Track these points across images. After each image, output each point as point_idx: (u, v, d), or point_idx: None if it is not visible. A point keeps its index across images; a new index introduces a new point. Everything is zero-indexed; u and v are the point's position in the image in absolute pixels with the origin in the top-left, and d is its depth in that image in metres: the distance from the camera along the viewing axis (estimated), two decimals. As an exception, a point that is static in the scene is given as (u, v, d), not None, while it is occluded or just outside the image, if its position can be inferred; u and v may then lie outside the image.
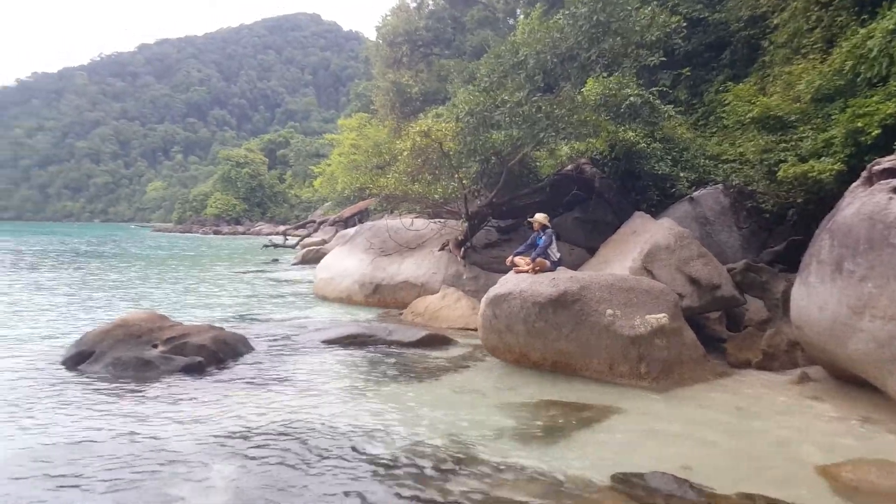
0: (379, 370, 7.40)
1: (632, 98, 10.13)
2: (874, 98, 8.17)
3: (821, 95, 9.45)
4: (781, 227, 10.05)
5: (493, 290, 7.60)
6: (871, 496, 4.12)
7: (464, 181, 11.99)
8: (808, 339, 6.42)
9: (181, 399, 6.00)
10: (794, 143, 9.52)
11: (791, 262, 8.21)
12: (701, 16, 11.91)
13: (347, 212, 33.74)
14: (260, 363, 7.53)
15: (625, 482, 4.19)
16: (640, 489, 4.07)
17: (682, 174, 10.34)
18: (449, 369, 7.52)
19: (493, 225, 13.48)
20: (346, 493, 4.04)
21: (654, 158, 10.53)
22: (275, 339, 8.93)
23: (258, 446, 4.79)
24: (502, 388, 6.73)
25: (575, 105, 10.19)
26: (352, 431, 5.18)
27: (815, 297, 6.07)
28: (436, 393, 6.48)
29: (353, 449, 4.79)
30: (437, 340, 8.97)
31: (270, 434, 5.08)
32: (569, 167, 11.96)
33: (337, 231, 31.68)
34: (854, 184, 6.35)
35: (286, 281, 18.31)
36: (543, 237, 7.83)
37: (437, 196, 12.21)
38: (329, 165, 45.28)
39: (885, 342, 5.17)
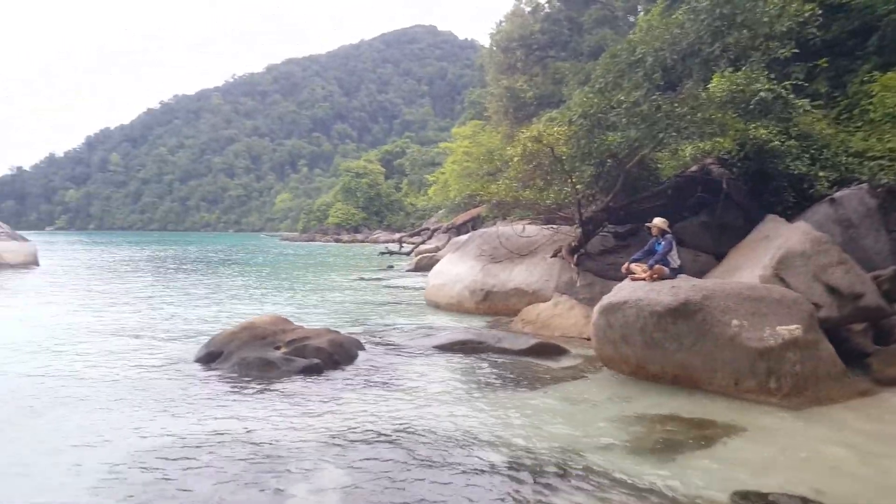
0: (488, 377, 7.41)
1: (762, 93, 9.45)
2: None
3: None
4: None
5: (607, 299, 7.37)
6: None
7: (577, 186, 11.75)
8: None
9: (298, 399, 6.35)
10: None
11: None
12: (842, 1, 10.88)
13: (460, 219, 34.15)
14: (373, 366, 7.80)
15: (746, 500, 3.90)
16: (763, 511, 3.78)
17: (821, 173, 9.48)
18: (560, 379, 7.39)
19: (609, 230, 13.09)
20: (452, 500, 4.07)
21: (790, 157, 9.74)
22: (387, 344, 9.21)
23: (369, 448, 4.95)
24: (616, 400, 6.51)
25: (699, 103, 9.68)
26: (459, 437, 5.23)
27: None
28: (545, 402, 6.38)
29: (460, 455, 4.83)
30: (548, 349, 8.84)
31: (381, 437, 5.24)
32: (693, 168, 11.36)
33: (450, 238, 32.16)
34: None
35: (400, 287, 18.84)
36: (662, 243, 7.50)
37: (548, 201, 12.06)
38: (443, 174, 46.19)
39: None
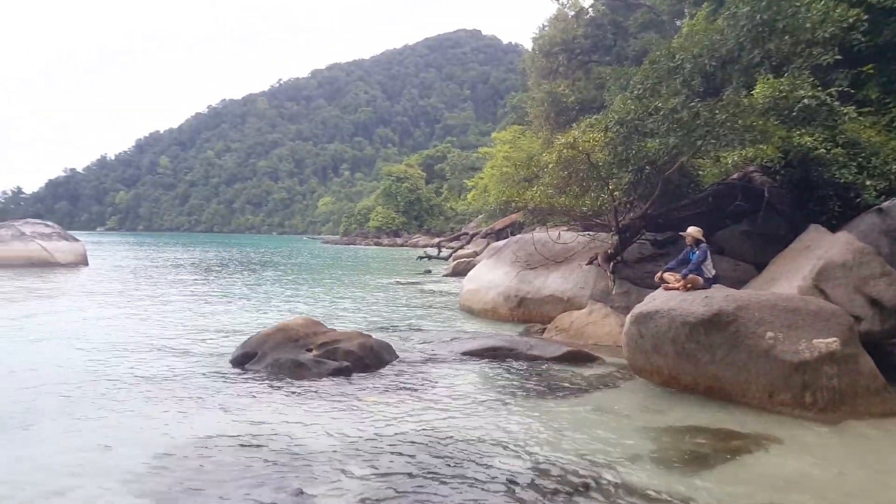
0: (517, 384, 7.44)
1: (806, 100, 9.22)
2: None
3: None
4: None
5: (639, 308, 7.32)
6: None
7: (615, 192, 11.68)
8: None
9: (327, 401, 6.50)
10: None
11: None
12: (893, 5, 10.52)
13: (499, 224, 34.17)
14: (402, 371, 7.92)
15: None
16: (790, 531, 3.72)
17: (868, 182, 9.18)
18: (590, 388, 7.37)
19: (647, 238, 12.96)
20: (473, 505, 4.13)
21: (836, 165, 9.47)
22: (418, 348, 9.32)
23: (393, 452, 5.04)
24: (646, 410, 6.46)
25: (740, 109, 9.52)
26: (485, 444, 5.28)
27: None
28: (574, 411, 6.38)
29: (485, 462, 4.87)
30: (580, 357, 8.82)
31: (405, 441, 5.33)
32: (734, 176, 11.17)
33: (488, 243, 32.20)
34: None
35: (435, 292, 18.97)
36: (697, 252, 7.42)
37: (584, 208, 12.01)
38: (482, 178, 46.24)
39: None
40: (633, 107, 10.44)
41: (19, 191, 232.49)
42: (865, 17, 10.18)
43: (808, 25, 9.67)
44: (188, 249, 53.72)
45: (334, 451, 5.02)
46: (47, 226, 27.79)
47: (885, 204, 8.87)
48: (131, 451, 5.02)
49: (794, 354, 5.97)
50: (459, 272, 24.48)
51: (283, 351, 7.87)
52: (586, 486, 4.44)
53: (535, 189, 12.65)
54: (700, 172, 11.62)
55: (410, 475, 4.57)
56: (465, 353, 8.93)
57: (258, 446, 5.12)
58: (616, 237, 12.01)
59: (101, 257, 34.66)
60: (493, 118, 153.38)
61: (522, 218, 21.83)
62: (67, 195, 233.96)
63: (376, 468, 4.70)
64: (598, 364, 8.65)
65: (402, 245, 72.92)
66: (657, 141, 10.15)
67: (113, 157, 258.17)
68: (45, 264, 24.54)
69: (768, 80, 9.94)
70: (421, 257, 37.86)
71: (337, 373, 7.46)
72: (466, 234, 43.89)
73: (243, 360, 8.03)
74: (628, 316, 7.52)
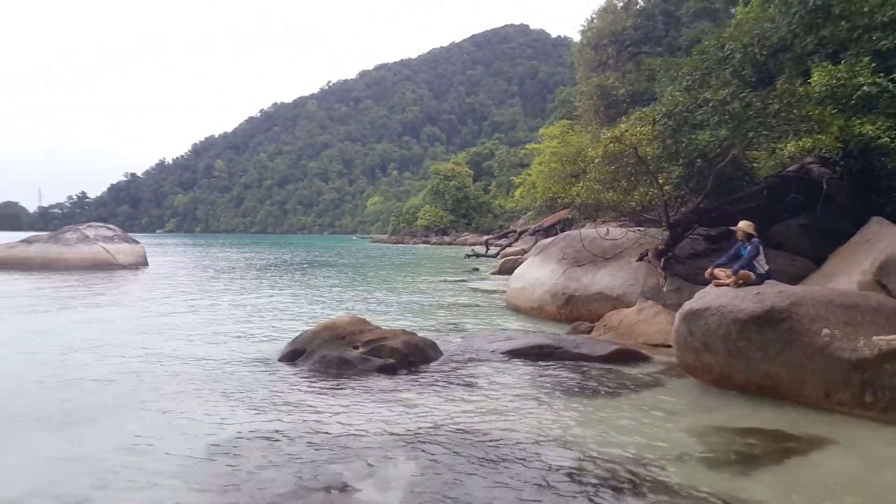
0: (563, 383, 7.41)
1: (865, 87, 8.82)
2: None
3: None
4: None
5: (688, 305, 7.19)
6: None
7: (665, 187, 11.46)
8: None
9: (372, 398, 6.62)
10: None
11: None
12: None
13: (548, 221, 33.88)
14: (447, 369, 7.98)
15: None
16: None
17: (935, 172, 8.78)
18: (639, 387, 7.27)
19: (700, 233, 12.67)
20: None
21: (900, 154, 9.07)
22: (463, 346, 9.37)
23: (437, 449, 5.10)
24: (696, 409, 6.34)
25: (796, 99, 9.20)
26: (529, 443, 5.28)
27: None
28: (622, 410, 6.32)
29: (530, 459, 4.88)
30: (629, 356, 8.70)
31: (450, 438, 5.39)
32: (791, 168, 10.81)
33: (537, 240, 31.99)
34: None
35: (482, 290, 19.00)
36: (748, 247, 7.23)
37: (633, 203, 11.83)
38: (529, 175, 45.95)
39: None
40: (681, 99, 10.22)
41: (84, 196, 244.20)
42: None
43: (865, 9, 9.25)
44: (242, 250, 55.30)
45: (379, 447, 5.12)
46: (109, 229, 29.06)
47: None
48: (185, 441, 5.26)
49: (853, 352, 5.75)
50: (507, 270, 24.42)
51: (330, 348, 8.05)
52: (633, 485, 4.40)
53: (581, 185, 12.53)
54: (754, 165, 11.30)
55: (455, 471, 4.62)
56: (510, 352, 8.92)
57: (305, 440, 5.27)
58: (667, 232, 11.78)
59: (160, 258, 36.04)
60: (542, 113, 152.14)
61: (570, 214, 21.61)
62: (128, 199, 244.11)
63: (421, 464, 4.77)
64: (648, 363, 8.52)
65: (449, 243, 73.21)
66: (707, 133, 9.91)
67: (171, 162, 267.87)
68: (108, 266, 25.68)
69: (825, 67, 9.57)
70: (468, 255, 37.89)
71: (382, 370, 7.58)
72: (514, 231, 43.65)
73: (292, 356, 8.27)
74: (677, 313, 7.39)
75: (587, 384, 7.35)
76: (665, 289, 11.33)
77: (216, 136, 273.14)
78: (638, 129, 10.88)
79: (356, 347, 8.10)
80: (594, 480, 4.48)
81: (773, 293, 6.46)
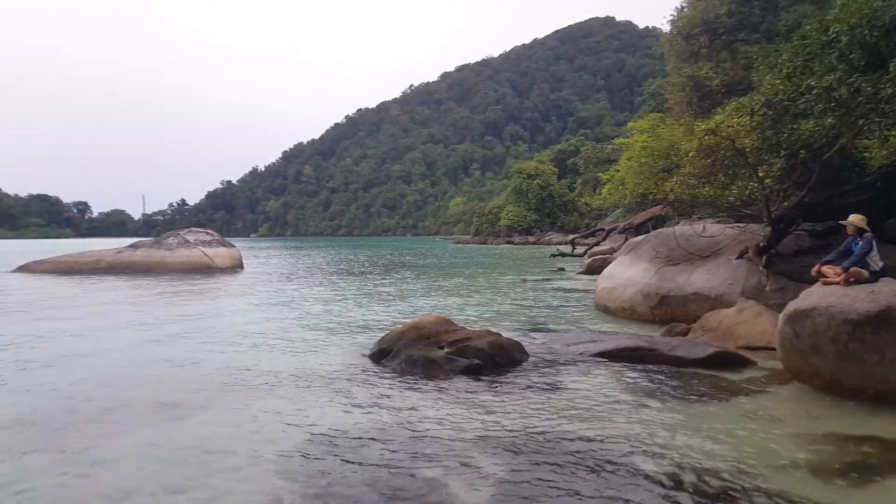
0: (657, 386, 7.20)
1: None
2: None
3: None
4: None
5: (793, 305, 6.80)
6: None
7: (765, 180, 10.89)
8: None
9: (458, 398, 6.69)
10: None
11: None
12: None
13: (638, 218, 32.95)
14: (534, 370, 7.94)
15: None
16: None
17: None
18: (740, 392, 6.96)
19: (804, 229, 11.97)
20: (606, 506, 4.10)
21: None
22: (550, 347, 9.29)
23: (525, 452, 5.09)
24: (803, 416, 6.00)
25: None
26: (621, 446, 5.18)
27: None
28: (721, 415, 6.07)
29: (621, 464, 4.79)
30: (729, 359, 8.33)
31: (538, 439, 5.37)
32: (909, 155, 10.01)
33: (626, 239, 31.19)
34: None
35: (569, 290, 18.73)
36: (860, 242, 6.77)
37: (731, 198, 11.31)
38: (618, 171, 44.76)
39: None
40: (781, 87, 9.67)
41: (183, 203, 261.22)
42: None
43: None
44: (330, 252, 57.12)
45: (465, 446, 5.18)
46: (208, 233, 30.82)
47: None
48: (278, 434, 5.53)
49: None
50: (595, 270, 24.00)
51: (416, 348, 8.20)
52: (733, 495, 4.24)
53: (675, 180, 12.10)
54: (865, 154, 10.54)
55: (542, 476, 4.60)
56: (600, 354, 8.77)
57: (394, 438, 5.41)
58: (769, 228, 11.20)
59: (254, 261, 37.85)
60: (630, 107, 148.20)
61: (663, 211, 20.94)
62: (224, 205, 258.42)
63: (508, 465, 4.78)
64: (750, 367, 8.14)
65: (534, 243, 72.70)
66: (811, 122, 9.33)
67: (263, 169, 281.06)
68: (206, 269, 27.22)
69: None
70: (554, 255, 37.44)
71: (468, 370, 7.64)
72: (602, 229, 42.67)
73: (380, 355, 8.50)
74: (782, 314, 7.01)
75: (683, 389, 7.11)
76: (767, 288, 10.78)
77: (304, 142, 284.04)
78: (735, 120, 10.39)
79: (441, 348, 8.21)
80: (690, 490, 4.33)
81: (890, 292, 6.02)
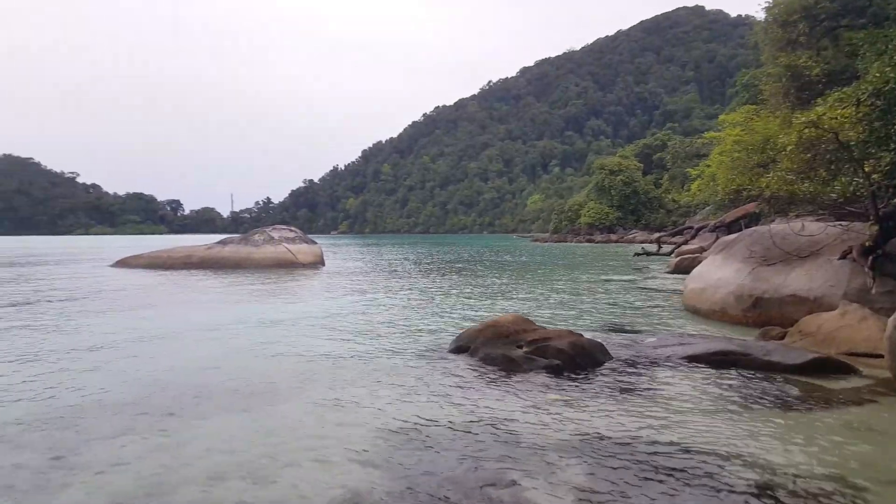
0: (750, 394, 6.89)
1: None
2: None
3: None
4: None
5: (906, 309, 6.36)
6: None
7: (872, 176, 10.21)
8: None
9: (538, 398, 6.63)
10: None
11: None
12: None
13: (730, 216, 31.58)
14: (616, 373, 7.77)
15: None
16: None
17: None
18: (841, 401, 6.56)
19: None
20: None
21: None
22: (635, 350, 9.05)
23: (605, 457, 4.98)
24: (916, 430, 5.60)
25: None
26: (710, 455, 4.99)
27: None
28: (820, 427, 5.73)
29: (709, 474, 4.61)
30: (829, 366, 7.86)
31: (620, 446, 5.24)
32: None
33: (717, 237, 29.99)
34: None
35: (654, 290, 18.21)
36: None
37: (833, 195, 10.68)
38: (708, 166, 43.12)
39: None
40: (892, 75, 9.05)
41: (269, 201, 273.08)
42: None
43: None
44: (407, 249, 57.98)
45: (545, 449, 5.13)
46: (291, 231, 31.96)
47: None
48: (358, 427, 5.66)
49: None
50: (683, 269, 23.27)
51: (494, 346, 8.20)
52: (837, 510, 4.01)
53: (771, 175, 11.53)
54: None
55: (623, 483, 4.48)
56: (688, 357, 8.46)
57: (472, 435, 5.43)
58: (875, 227, 10.48)
59: (335, 258, 38.94)
60: (721, 99, 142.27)
61: (757, 208, 19.99)
62: (307, 203, 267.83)
63: (587, 470, 4.69)
64: (853, 375, 7.64)
65: (616, 241, 71.23)
66: (928, 111, 8.70)
67: (343, 168, 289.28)
68: (290, 265, 28.24)
69: None
70: (638, 254, 36.58)
71: (547, 370, 7.57)
72: (691, 228, 41.32)
73: (457, 352, 8.57)
74: (891, 318, 6.57)
75: (779, 397, 6.76)
76: (874, 291, 10.09)
77: (383, 141, 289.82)
78: (838, 111, 9.79)
79: (520, 347, 8.17)
80: (789, 502, 4.14)
81: None
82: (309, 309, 14.13)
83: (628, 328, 11.47)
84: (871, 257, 10.39)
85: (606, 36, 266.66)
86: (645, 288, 19.04)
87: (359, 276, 24.68)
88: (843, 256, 11.00)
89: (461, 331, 9.38)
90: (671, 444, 5.27)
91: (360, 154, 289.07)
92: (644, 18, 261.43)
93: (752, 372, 7.81)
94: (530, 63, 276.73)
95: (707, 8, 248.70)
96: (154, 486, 4.43)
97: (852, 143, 9.76)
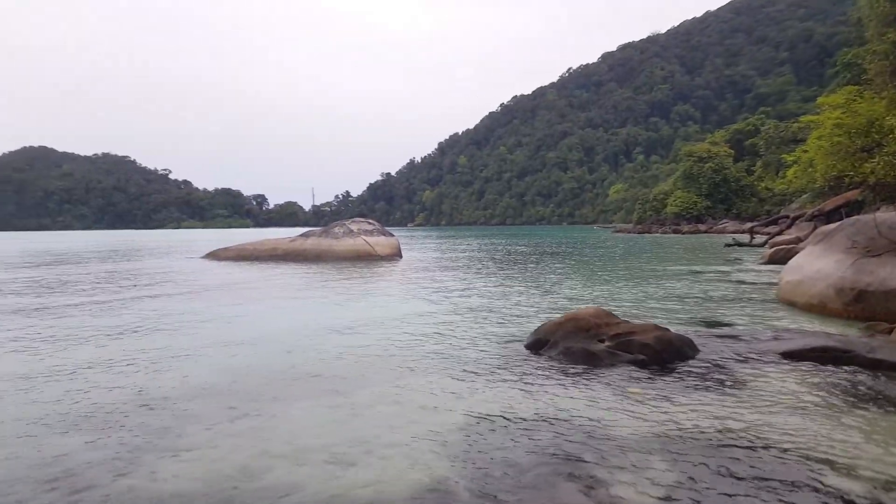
0: (853, 394, 6.46)
1: None
2: None
3: None
4: None
5: None
6: None
7: None
8: None
9: (620, 394, 6.47)
10: None
11: None
12: None
13: (829, 204, 29.85)
14: (705, 369, 7.48)
15: None
16: None
17: None
18: (960, 404, 6.07)
19: None
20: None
21: None
22: (725, 346, 8.68)
23: (693, 456, 4.80)
24: None
25: None
26: (807, 457, 4.71)
27: None
28: (934, 431, 5.34)
29: (806, 478, 4.35)
30: (944, 365, 7.30)
31: (710, 442, 5.04)
32: None
33: (815, 227, 28.39)
34: None
35: (747, 283, 17.40)
36: None
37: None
38: (805, 151, 40.84)
39: None
40: None
41: (347, 194, 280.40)
42: None
43: None
44: (483, 241, 57.99)
45: (629, 446, 4.99)
46: (370, 223, 32.62)
47: None
48: (436, 417, 5.72)
49: None
50: (778, 260, 22.15)
51: (574, 340, 8.06)
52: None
53: (877, 160, 10.80)
54: None
55: (715, 484, 4.29)
56: (784, 353, 8.03)
57: (552, 430, 5.36)
58: None
59: (411, 250, 39.44)
60: (819, 81, 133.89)
61: (860, 196, 18.79)
62: (384, 196, 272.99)
63: (676, 469, 4.53)
64: (972, 375, 7.07)
65: (705, 232, 68.76)
66: None
67: (419, 160, 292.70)
68: (369, 257, 28.83)
69: None
70: (729, 244, 35.18)
71: (631, 366, 7.38)
72: (786, 217, 39.33)
73: (536, 346, 8.46)
74: None
75: (885, 397, 6.31)
76: None
77: (459, 133, 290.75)
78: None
79: (602, 341, 8.00)
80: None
81: None
82: (387, 300, 14.40)
83: (718, 322, 11.03)
84: None
85: (693, 17, 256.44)
86: (736, 280, 18.24)
87: (436, 268, 24.89)
88: (962, 246, 10.16)
89: (540, 324, 9.28)
90: (765, 444, 5.02)
91: (436, 146, 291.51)
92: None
93: (856, 370, 7.34)
94: (612, 48, 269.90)
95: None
96: (245, 466, 4.63)
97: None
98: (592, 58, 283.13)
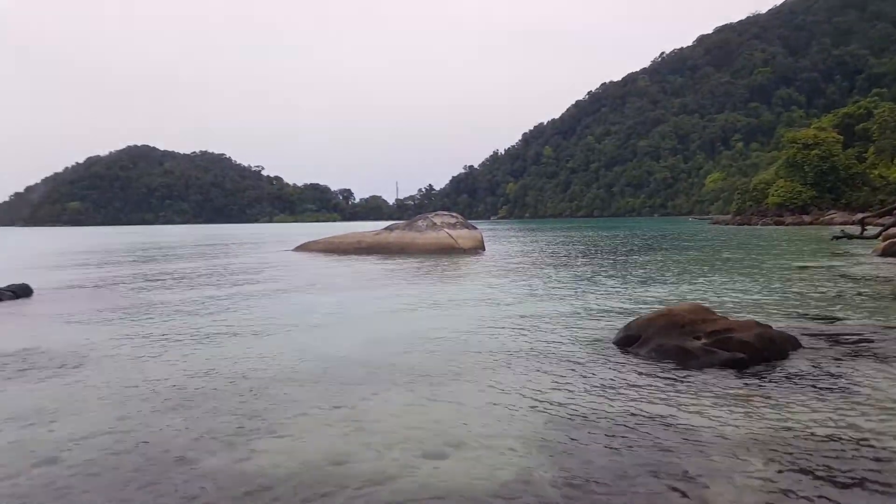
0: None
1: None
2: None
3: None
4: None
5: None
6: None
7: None
8: None
9: (718, 392, 6.18)
10: None
11: None
12: None
13: (956, 194, 27.40)
14: (811, 368, 7.02)
15: None
16: None
17: None
18: None
19: None
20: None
21: None
22: (833, 343, 8.14)
23: (799, 459, 4.51)
24: None
25: None
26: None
27: None
28: None
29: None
30: None
31: (815, 448, 4.71)
32: None
33: (938, 219, 26.18)
34: None
35: (858, 278, 16.28)
36: None
37: None
38: (929, 135, 37.73)
39: None
40: None
41: (430, 188, 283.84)
42: None
43: None
44: (569, 234, 57.11)
45: (727, 447, 4.75)
46: (452, 216, 32.79)
47: None
48: (524, 413, 5.64)
49: None
50: (893, 254, 20.67)
51: (667, 336, 7.77)
52: None
53: None
54: None
55: (822, 491, 4.03)
56: (900, 354, 7.47)
57: (644, 428, 5.18)
58: None
59: (495, 243, 39.38)
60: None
61: None
62: (467, 189, 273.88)
63: (777, 474, 4.26)
64: None
65: (810, 223, 65.05)
66: None
67: (503, 152, 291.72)
68: (451, 250, 29.00)
69: None
70: (837, 237, 33.08)
71: (729, 364, 7.03)
72: (903, 207, 36.42)
73: (626, 342, 8.23)
74: None
75: None
76: None
77: (544, 123, 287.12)
78: None
79: (698, 338, 7.67)
80: None
81: None
82: (470, 294, 14.39)
83: (826, 319, 10.36)
84: None
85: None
86: (846, 275, 17.09)
87: (520, 262, 24.71)
88: None
89: (630, 320, 9.01)
90: (876, 448, 4.66)
91: (520, 137, 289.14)
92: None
93: None
94: (708, 31, 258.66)
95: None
96: (334, 453, 4.74)
97: None
98: (686, 41, 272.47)
